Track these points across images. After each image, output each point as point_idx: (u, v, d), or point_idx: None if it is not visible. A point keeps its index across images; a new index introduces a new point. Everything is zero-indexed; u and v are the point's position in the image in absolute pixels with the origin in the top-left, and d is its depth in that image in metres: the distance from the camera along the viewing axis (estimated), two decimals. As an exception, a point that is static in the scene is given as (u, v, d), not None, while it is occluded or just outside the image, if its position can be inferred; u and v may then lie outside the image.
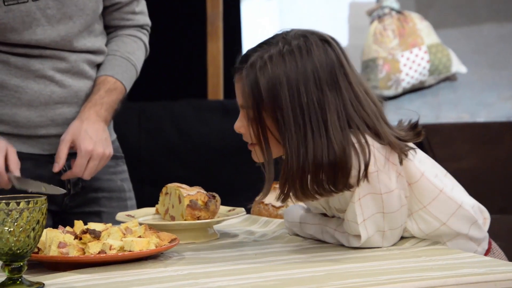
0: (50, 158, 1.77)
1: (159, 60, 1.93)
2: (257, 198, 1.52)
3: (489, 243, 1.53)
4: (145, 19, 1.92)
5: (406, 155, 1.44)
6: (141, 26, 1.91)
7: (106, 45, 1.87)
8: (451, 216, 1.46)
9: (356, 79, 1.43)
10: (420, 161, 1.48)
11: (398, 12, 3.27)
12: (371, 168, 1.40)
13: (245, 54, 1.44)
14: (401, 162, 1.44)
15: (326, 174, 1.38)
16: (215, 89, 3.42)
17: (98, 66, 1.85)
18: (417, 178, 1.45)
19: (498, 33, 3.29)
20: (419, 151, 1.50)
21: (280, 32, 1.44)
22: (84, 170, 1.72)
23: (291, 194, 1.42)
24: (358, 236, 1.44)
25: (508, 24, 3.33)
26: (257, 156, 1.45)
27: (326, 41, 1.42)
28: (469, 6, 3.34)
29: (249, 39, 3.65)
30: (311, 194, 1.41)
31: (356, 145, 1.39)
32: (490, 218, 1.53)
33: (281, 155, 1.45)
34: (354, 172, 1.39)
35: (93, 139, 1.72)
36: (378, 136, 1.42)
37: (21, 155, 1.72)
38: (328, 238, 1.51)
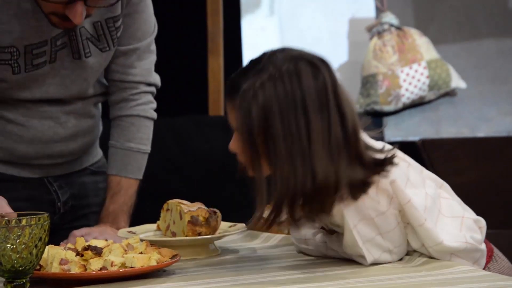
0: (41, 180, 1.80)
1: (160, 76, 1.94)
2: (248, 226, 1.54)
3: (491, 250, 1.52)
4: (148, 77, 1.83)
5: (383, 175, 1.43)
6: (141, 84, 1.82)
7: (111, 123, 1.84)
8: (437, 245, 1.46)
9: (345, 101, 1.42)
10: (409, 183, 1.47)
11: (398, 28, 3.28)
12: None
13: (235, 81, 1.43)
14: None
15: (310, 200, 1.40)
16: (216, 105, 3.43)
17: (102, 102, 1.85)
18: (405, 202, 1.45)
19: (498, 48, 3.30)
20: (404, 167, 1.48)
21: (268, 53, 1.44)
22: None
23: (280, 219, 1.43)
24: (363, 257, 1.45)
25: (507, 39, 3.34)
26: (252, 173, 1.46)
27: (315, 66, 1.41)
28: (468, 21, 3.35)
29: (250, 55, 3.66)
30: (300, 221, 1.43)
31: (345, 169, 1.40)
32: (486, 226, 1.52)
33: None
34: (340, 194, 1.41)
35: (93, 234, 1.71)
36: (360, 158, 1.42)
37: (12, 178, 1.74)
38: (334, 254, 1.52)
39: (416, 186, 1.48)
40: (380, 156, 1.44)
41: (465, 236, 1.48)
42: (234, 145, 1.46)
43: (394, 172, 1.45)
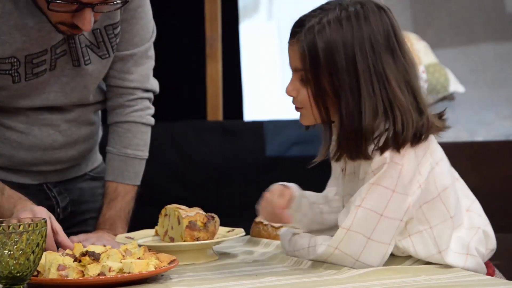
0: (40, 186, 1.81)
1: (159, 82, 1.93)
2: (316, 159, 1.53)
3: (491, 271, 1.52)
4: (145, 83, 1.82)
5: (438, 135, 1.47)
6: (137, 89, 1.81)
7: (108, 129, 1.84)
8: (444, 250, 1.45)
9: (407, 48, 1.47)
10: (445, 177, 1.47)
11: (396, 32, 3.28)
12: (397, 158, 1.41)
13: (301, 18, 1.47)
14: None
15: (368, 136, 1.41)
16: (215, 110, 3.43)
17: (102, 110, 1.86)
18: (434, 196, 1.45)
19: (496, 52, 3.30)
20: (442, 156, 1.50)
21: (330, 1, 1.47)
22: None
23: (345, 154, 1.45)
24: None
25: (505, 43, 3.34)
26: (307, 118, 1.49)
27: (382, 8, 1.46)
28: (466, 25, 3.35)
29: (248, 60, 3.66)
30: (364, 154, 1.43)
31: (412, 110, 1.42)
32: (495, 248, 1.52)
33: (331, 120, 1.48)
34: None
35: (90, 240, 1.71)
36: (420, 111, 1.44)
37: (11, 184, 1.73)
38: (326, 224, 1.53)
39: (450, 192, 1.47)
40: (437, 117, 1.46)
41: (476, 242, 1.48)
42: (291, 87, 1.48)
43: (435, 166, 1.45)
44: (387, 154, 1.42)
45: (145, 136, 1.85)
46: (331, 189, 1.60)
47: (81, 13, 1.56)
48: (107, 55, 1.74)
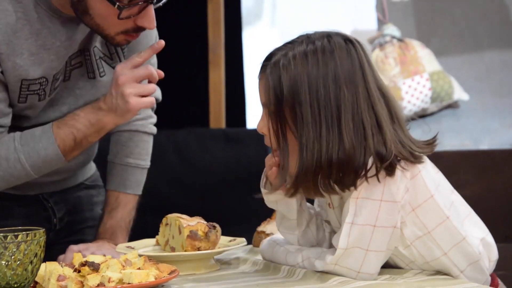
0: (36, 197, 1.80)
1: (161, 89, 1.93)
2: (262, 194, 1.52)
3: (496, 282, 1.50)
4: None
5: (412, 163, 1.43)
6: None
7: (110, 139, 1.82)
8: (453, 247, 1.44)
9: (374, 80, 1.45)
10: (433, 180, 1.46)
11: (400, 40, 3.27)
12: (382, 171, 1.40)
13: (270, 52, 1.47)
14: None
15: (335, 171, 1.40)
16: (217, 118, 3.42)
17: None
18: (426, 198, 1.43)
19: (500, 60, 3.29)
20: (431, 165, 1.48)
21: (305, 33, 1.47)
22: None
23: (301, 189, 1.43)
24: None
25: (510, 51, 3.32)
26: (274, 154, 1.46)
27: (350, 42, 1.45)
28: (470, 33, 3.34)
29: (251, 67, 3.65)
30: (319, 191, 1.42)
31: (371, 143, 1.40)
32: (497, 259, 1.51)
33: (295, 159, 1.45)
34: (363, 172, 1.40)
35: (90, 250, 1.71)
36: (383, 140, 1.42)
37: (8, 196, 1.72)
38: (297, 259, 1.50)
39: (442, 194, 1.46)
40: (414, 146, 1.44)
41: (479, 250, 1.46)
42: (262, 123, 1.47)
43: (422, 170, 1.44)
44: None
45: (147, 145, 1.84)
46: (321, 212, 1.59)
47: (145, 11, 1.56)
48: None
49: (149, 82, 1.65)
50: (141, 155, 1.82)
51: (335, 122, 1.40)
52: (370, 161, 1.40)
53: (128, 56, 1.75)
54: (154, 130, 1.87)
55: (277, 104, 1.42)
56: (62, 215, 1.82)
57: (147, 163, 1.84)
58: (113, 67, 1.72)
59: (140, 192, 1.83)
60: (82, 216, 1.85)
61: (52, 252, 1.73)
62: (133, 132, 1.83)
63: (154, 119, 1.87)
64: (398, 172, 1.41)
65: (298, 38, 1.46)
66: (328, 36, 1.45)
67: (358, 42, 1.46)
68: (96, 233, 1.79)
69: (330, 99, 1.40)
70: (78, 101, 1.71)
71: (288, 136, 1.42)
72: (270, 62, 1.44)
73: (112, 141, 1.83)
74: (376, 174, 1.40)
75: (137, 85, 1.60)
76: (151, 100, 1.62)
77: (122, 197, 1.79)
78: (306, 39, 1.45)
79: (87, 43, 1.68)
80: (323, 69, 1.41)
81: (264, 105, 1.47)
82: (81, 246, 1.70)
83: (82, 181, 1.88)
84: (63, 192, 1.84)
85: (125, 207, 1.79)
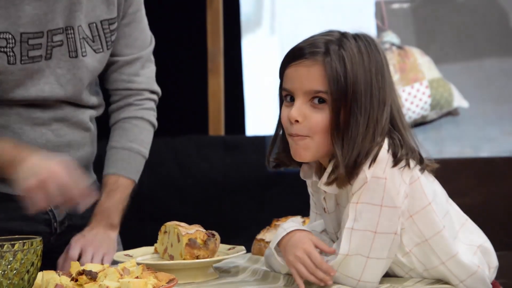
0: None
1: (161, 96, 1.94)
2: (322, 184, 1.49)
3: None
4: (151, 85, 1.88)
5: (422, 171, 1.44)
6: (140, 90, 1.85)
7: (111, 128, 1.85)
8: (450, 258, 1.43)
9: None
10: (431, 188, 1.45)
11: (399, 47, 3.27)
12: (379, 173, 1.39)
13: (314, 41, 1.44)
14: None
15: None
16: (216, 125, 3.41)
17: (96, 119, 1.85)
18: (423, 205, 1.42)
19: (500, 68, 3.28)
20: (427, 173, 1.48)
21: (327, 30, 1.47)
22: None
23: (337, 181, 1.43)
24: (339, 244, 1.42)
25: (510, 58, 3.32)
26: (308, 151, 1.44)
27: (375, 45, 1.47)
28: (469, 41, 3.33)
29: (250, 75, 3.65)
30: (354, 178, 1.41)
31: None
32: (497, 266, 1.50)
33: (322, 158, 1.46)
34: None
35: (89, 254, 1.72)
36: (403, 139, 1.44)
37: (7, 197, 1.72)
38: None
39: (438, 203, 1.45)
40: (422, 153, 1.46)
41: (478, 261, 1.45)
42: (297, 111, 1.42)
43: (420, 176, 1.43)
44: (367, 173, 1.40)
45: (149, 135, 1.87)
46: (315, 224, 1.57)
47: None
48: (101, 50, 1.77)
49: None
50: (143, 143, 1.84)
51: (380, 117, 1.41)
52: (385, 147, 1.41)
53: (124, 51, 1.79)
54: (156, 123, 1.90)
55: (338, 92, 1.40)
56: (62, 219, 1.81)
57: (147, 153, 1.86)
58: (94, 50, 1.75)
59: (137, 180, 1.84)
60: (82, 221, 1.84)
61: (52, 256, 1.73)
62: (139, 119, 1.85)
63: (156, 113, 1.89)
64: (397, 175, 1.40)
65: (333, 32, 1.45)
66: (361, 34, 1.46)
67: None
68: (92, 213, 1.78)
69: (379, 97, 1.41)
70: (59, 80, 1.73)
71: (339, 127, 1.41)
72: (322, 50, 1.41)
73: (115, 129, 1.85)
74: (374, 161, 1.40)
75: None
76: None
77: (122, 181, 1.80)
78: (340, 34, 1.45)
79: (71, 19, 1.70)
80: (375, 69, 1.42)
81: (310, 93, 1.42)
82: (77, 247, 1.70)
83: None
84: None
85: (124, 191, 1.80)
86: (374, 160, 1.40)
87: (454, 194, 1.55)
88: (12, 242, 1.19)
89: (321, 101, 1.42)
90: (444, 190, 1.52)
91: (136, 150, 1.83)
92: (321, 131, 1.41)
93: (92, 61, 1.76)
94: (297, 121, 1.43)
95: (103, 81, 1.88)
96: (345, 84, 1.40)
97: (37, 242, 1.21)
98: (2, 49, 1.66)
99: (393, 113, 1.45)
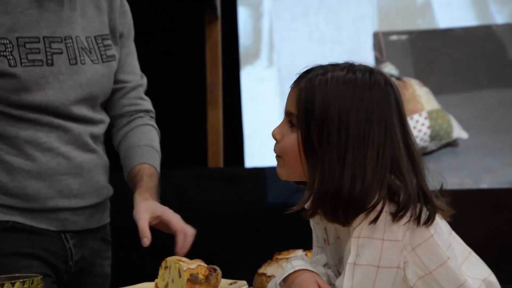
0: (58, 235, 1.83)
1: (160, 128, 1.98)
2: (294, 208, 1.49)
3: None
4: (150, 105, 2.01)
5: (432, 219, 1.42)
6: (147, 111, 1.99)
7: (124, 138, 1.93)
8: (459, 287, 1.42)
9: (408, 128, 1.45)
10: (436, 224, 1.44)
11: (398, 78, 3.28)
12: (377, 235, 1.38)
13: (311, 67, 1.46)
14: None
15: (348, 204, 1.38)
16: (215, 157, 3.41)
17: (99, 139, 1.90)
18: (425, 238, 1.42)
19: (498, 99, 3.30)
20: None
21: (350, 61, 1.47)
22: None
23: (319, 212, 1.41)
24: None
25: (508, 89, 3.33)
26: (283, 169, 1.46)
27: (389, 84, 1.44)
28: (468, 72, 3.35)
29: (249, 106, 3.66)
30: (341, 220, 1.40)
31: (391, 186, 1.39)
32: None
33: (300, 179, 1.45)
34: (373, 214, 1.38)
35: (178, 217, 1.83)
36: (421, 188, 1.42)
37: (32, 229, 1.78)
38: None
39: (440, 235, 1.44)
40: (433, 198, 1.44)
41: None
42: (278, 130, 1.46)
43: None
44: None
45: (159, 143, 1.97)
46: (318, 258, 1.56)
47: None
48: (97, 62, 1.86)
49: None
50: (158, 146, 1.94)
51: (360, 154, 1.38)
52: (381, 203, 1.38)
53: (127, 77, 1.94)
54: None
55: (306, 118, 1.41)
56: (78, 259, 1.86)
57: (160, 153, 1.95)
58: (92, 60, 1.85)
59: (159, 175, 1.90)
60: (92, 268, 1.90)
61: None
62: (152, 126, 1.96)
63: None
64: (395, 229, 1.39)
65: (341, 64, 1.46)
66: (370, 71, 1.44)
67: (397, 87, 1.46)
68: (140, 190, 1.82)
69: (358, 132, 1.39)
70: (62, 86, 1.80)
71: (310, 151, 1.41)
72: (307, 76, 1.44)
73: (132, 136, 1.93)
74: (377, 217, 1.38)
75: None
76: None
77: (153, 170, 1.87)
78: (348, 66, 1.44)
79: (69, 30, 1.82)
80: (357, 102, 1.40)
81: (288, 114, 1.46)
82: (146, 211, 1.79)
83: (101, 224, 1.91)
84: (83, 234, 1.87)
85: (156, 179, 1.87)
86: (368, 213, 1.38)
87: (454, 226, 1.54)
88: (13, 281, 1.18)
89: (292, 123, 1.45)
90: (447, 223, 1.51)
91: (157, 150, 1.92)
92: (290, 153, 1.44)
93: (90, 70, 1.84)
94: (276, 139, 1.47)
95: (110, 109, 1.96)
96: (311, 110, 1.41)
97: (37, 280, 1.19)
98: (1, 53, 1.75)
99: (395, 156, 1.40)
